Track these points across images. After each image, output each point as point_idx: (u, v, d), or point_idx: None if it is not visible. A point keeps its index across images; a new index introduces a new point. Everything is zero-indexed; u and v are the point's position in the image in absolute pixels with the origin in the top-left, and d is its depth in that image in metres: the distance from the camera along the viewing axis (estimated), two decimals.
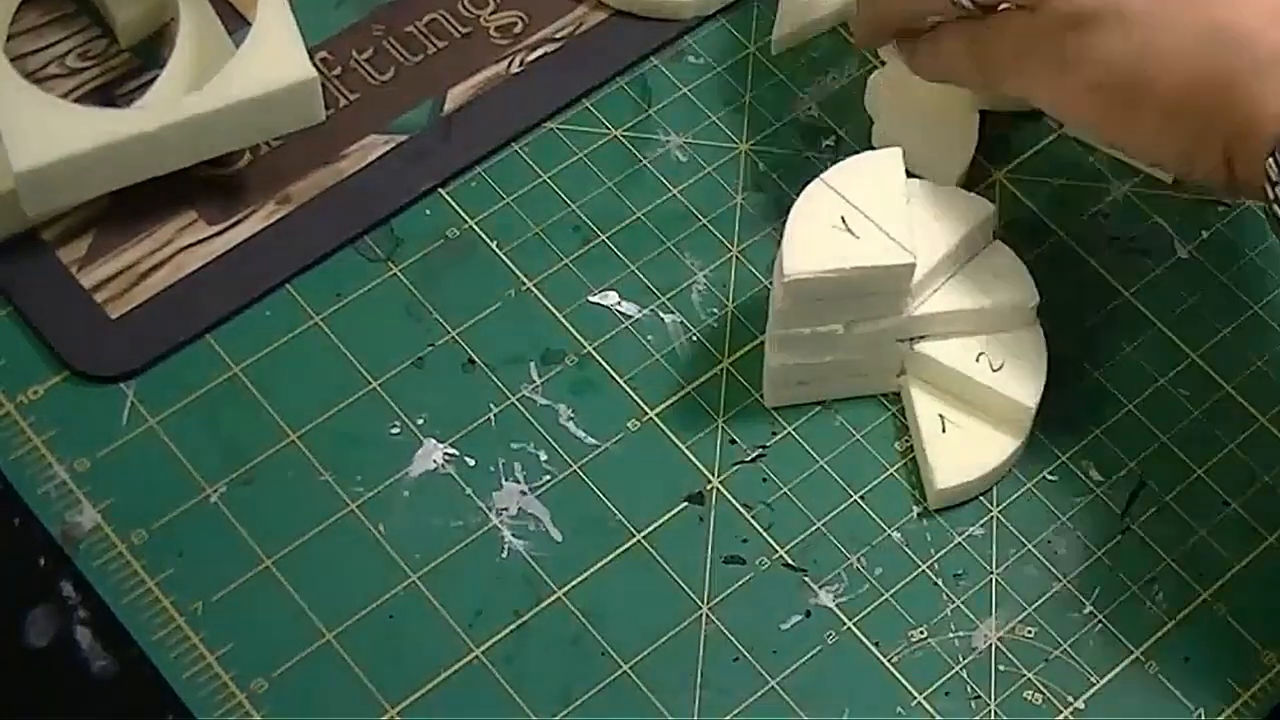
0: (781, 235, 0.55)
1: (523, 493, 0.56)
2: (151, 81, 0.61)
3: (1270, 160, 0.50)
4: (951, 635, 0.55)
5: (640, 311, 0.60)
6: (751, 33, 0.66)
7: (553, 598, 0.55)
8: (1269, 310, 0.61)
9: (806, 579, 0.55)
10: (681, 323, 0.60)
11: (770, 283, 0.59)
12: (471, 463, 0.57)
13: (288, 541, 0.55)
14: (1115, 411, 0.59)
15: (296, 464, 0.56)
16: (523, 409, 0.58)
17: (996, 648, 0.55)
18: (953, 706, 0.54)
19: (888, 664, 0.54)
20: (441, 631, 0.54)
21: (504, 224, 0.61)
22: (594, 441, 0.57)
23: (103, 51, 0.64)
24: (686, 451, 0.57)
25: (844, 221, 0.55)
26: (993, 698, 0.54)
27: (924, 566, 0.56)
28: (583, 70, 0.64)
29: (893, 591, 0.55)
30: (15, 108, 0.57)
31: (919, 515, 0.57)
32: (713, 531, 0.56)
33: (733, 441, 0.58)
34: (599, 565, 0.55)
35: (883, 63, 0.65)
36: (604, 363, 0.59)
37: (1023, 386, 0.57)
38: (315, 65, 0.59)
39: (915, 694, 0.54)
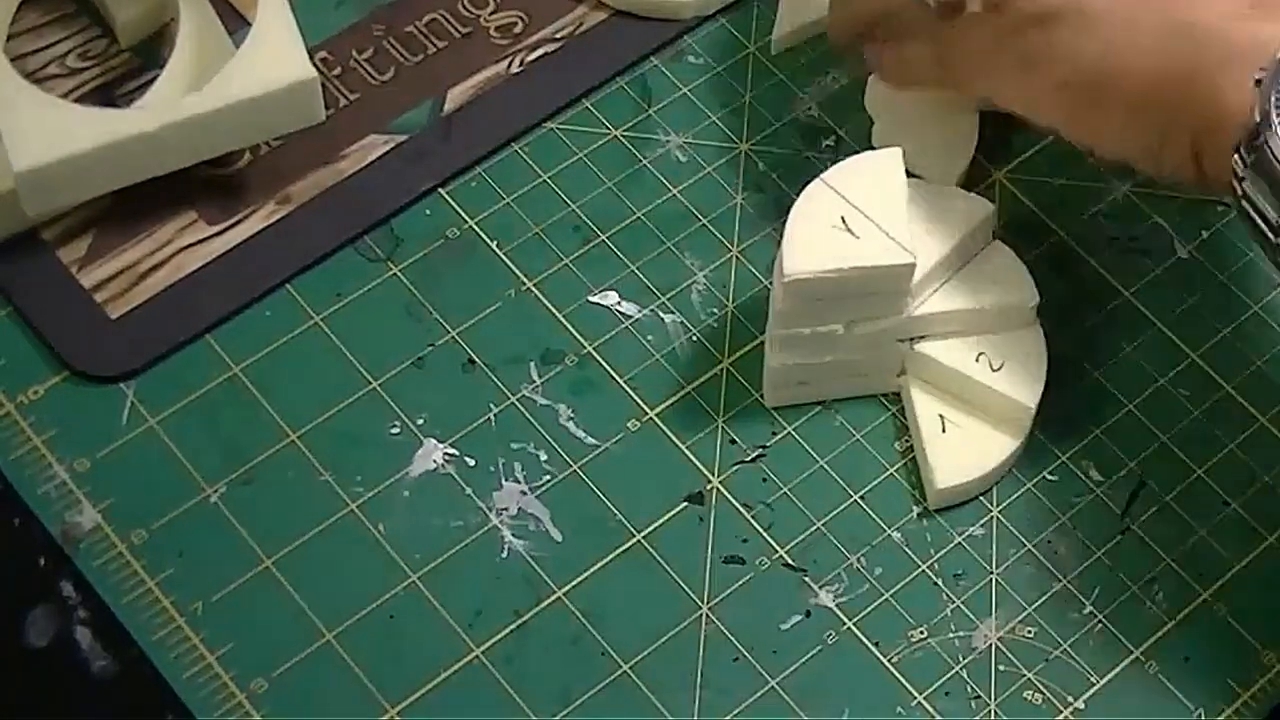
0: (781, 235, 0.55)
1: (523, 493, 0.56)
2: (151, 81, 0.61)
3: (1236, 156, 0.50)
4: (951, 635, 0.55)
5: (640, 311, 0.60)
6: (751, 33, 0.66)
7: (553, 598, 0.55)
8: (1269, 310, 0.61)
9: (806, 579, 0.55)
10: (681, 323, 0.60)
11: (770, 283, 0.59)
12: (471, 463, 0.57)
13: (288, 541, 0.55)
14: (1115, 411, 0.59)
15: (296, 464, 0.56)
16: (523, 409, 0.58)
17: (996, 648, 0.55)
18: (953, 706, 0.54)
19: (888, 664, 0.54)
20: (441, 631, 0.54)
21: (504, 224, 0.61)
22: (594, 441, 0.57)
23: (103, 51, 0.64)
24: (686, 451, 0.57)
25: (844, 221, 0.55)
26: (993, 698, 0.54)
27: (924, 566, 0.56)
28: (583, 70, 0.64)
29: (893, 591, 0.55)
30: (15, 108, 0.57)
31: (919, 515, 0.57)
32: (713, 531, 0.56)
33: (733, 441, 0.58)
34: (599, 565, 0.55)
35: None
36: (604, 363, 0.59)
37: (1023, 386, 0.57)
38: (315, 65, 0.59)
39: (915, 694, 0.54)
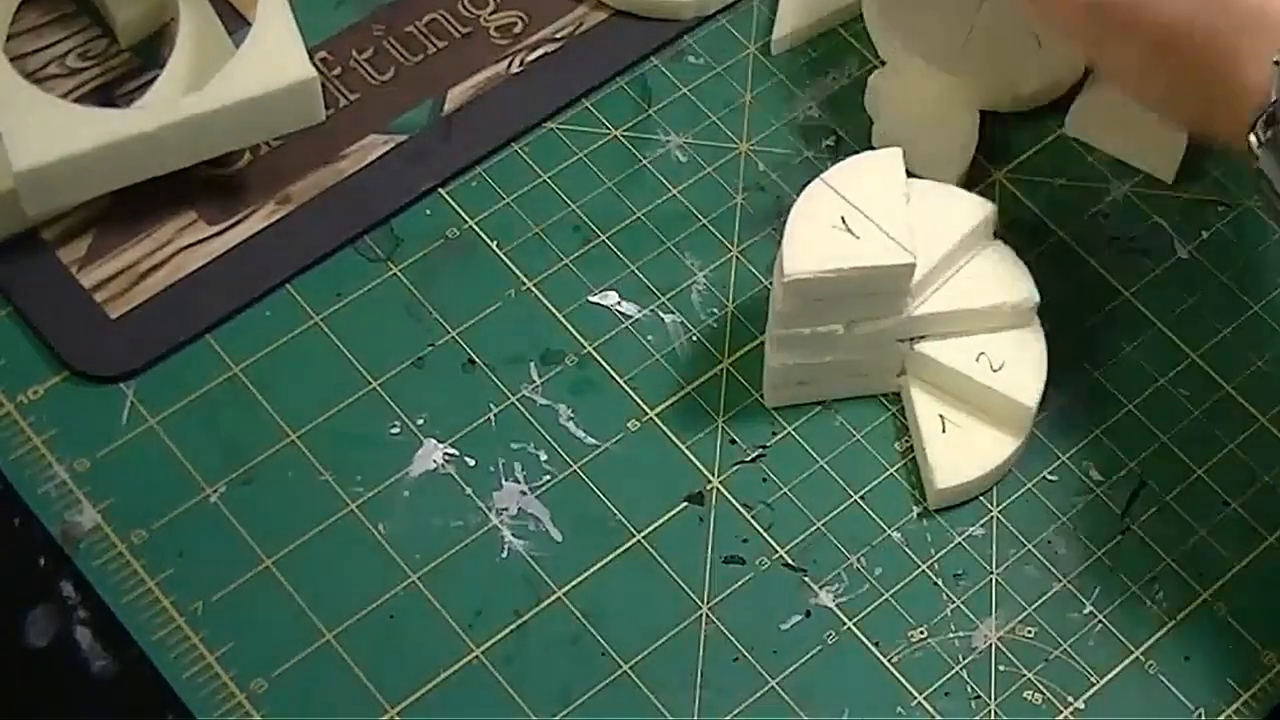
0: (781, 235, 0.55)
1: (523, 493, 0.56)
2: (151, 81, 0.61)
3: (1252, 133, 0.50)
4: (951, 635, 0.55)
5: (640, 311, 0.60)
6: (751, 33, 0.66)
7: (553, 598, 0.55)
8: (1269, 310, 0.61)
9: (806, 579, 0.55)
10: (681, 323, 0.60)
11: (770, 283, 0.59)
12: (471, 463, 0.57)
13: (288, 541, 0.55)
14: (1115, 411, 0.59)
15: (296, 464, 0.56)
16: (523, 409, 0.58)
17: (996, 648, 0.55)
18: (953, 706, 0.54)
19: (888, 664, 0.54)
20: (441, 631, 0.54)
21: (504, 224, 0.61)
22: (594, 441, 0.57)
23: (103, 51, 0.64)
24: (686, 451, 0.57)
25: (844, 221, 0.55)
26: (993, 698, 0.54)
27: (924, 566, 0.56)
28: (583, 70, 0.64)
29: (893, 591, 0.55)
30: (15, 108, 0.57)
31: (919, 515, 0.57)
32: (713, 531, 0.56)
33: (733, 441, 0.58)
34: (599, 565, 0.55)
35: (883, 63, 0.65)
36: (604, 363, 0.59)
37: (1023, 386, 0.57)
38: (315, 65, 0.59)
39: (915, 694, 0.54)
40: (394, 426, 0.57)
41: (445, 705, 0.53)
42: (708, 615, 0.55)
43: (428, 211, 0.61)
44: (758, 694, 0.54)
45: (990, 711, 0.54)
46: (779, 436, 0.58)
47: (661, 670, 0.54)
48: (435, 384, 0.58)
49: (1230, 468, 0.58)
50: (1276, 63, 0.49)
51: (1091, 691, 0.54)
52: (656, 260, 0.61)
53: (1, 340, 0.58)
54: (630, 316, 0.60)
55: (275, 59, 0.58)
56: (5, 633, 0.54)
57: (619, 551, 0.56)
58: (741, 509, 0.56)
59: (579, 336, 0.59)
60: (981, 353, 0.57)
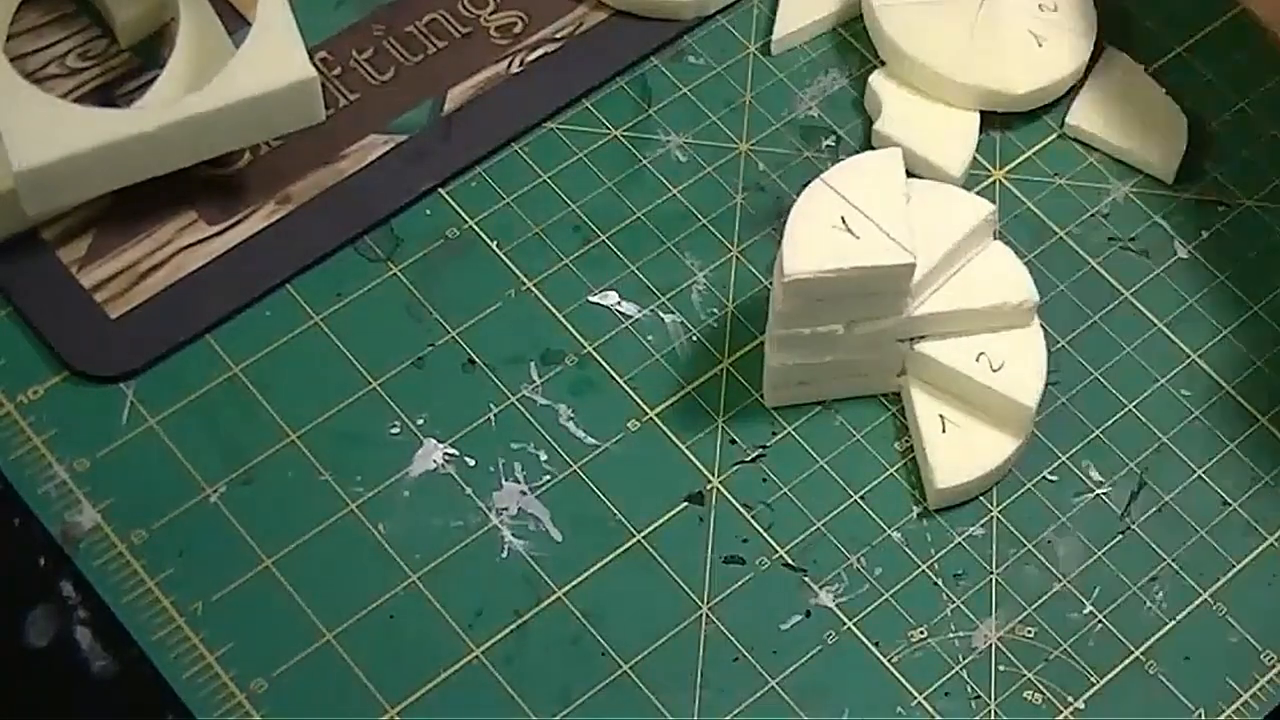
0: (781, 235, 0.55)
1: (523, 493, 0.56)
2: (151, 81, 0.61)
3: None
4: (951, 635, 0.55)
5: (640, 311, 0.60)
6: (751, 33, 0.66)
7: (553, 598, 0.55)
8: (1269, 310, 0.61)
9: (806, 579, 0.55)
10: (681, 323, 0.60)
11: (770, 283, 0.59)
12: (471, 463, 0.57)
13: (288, 541, 0.55)
14: (1115, 411, 0.59)
15: (296, 464, 0.56)
16: (523, 409, 0.58)
17: (996, 648, 0.55)
18: (953, 706, 0.54)
19: (888, 664, 0.54)
20: (441, 631, 0.54)
21: (504, 224, 0.61)
22: (594, 441, 0.57)
23: (103, 51, 0.64)
24: (686, 451, 0.57)
25: (844, 221, 0.55)
26: (993, 698, 0.54)
27: (924, 566, 0.56)
28: (583, 70, 0.64)
29: (893, 591, 0.55)
30: (15, 108, 0.57)
31: (919, 515, 0.57)
32: (713, 531, 0.56)
33: (733, 441, 0.58)
34: (599, 565, 0.55)
35: (883, 62, 0.65)
36: (604, 363, 0.59)
37: (1023, 386, 0.57)
38: (315, 65, 0.59)
39: (915, 694, 0.54)
40: (394, 426, 0.57)
41: (445, 705, 0.53)
42: (708, 615, 0.55)
43: (428, 211, 0.61)
44: (758, 694, 0.54)
45: (990, 711, 0.54)
46: (779, 436, 0.58)
47: (661, 670, 0.54)
48: (435, 384, 0.58)
49: (1230, 468, 0.58)
50: None
51: (1091, 691, 0.54)
52: (656, 260, 0.61)
53: (1, 340, 0.58)
54: (630, 316, 0.60)
55: (275, 59, 0.58)
56: (5, 633, 0.54)
57: (619, 551, 0.56)
58: (741, 509, 0.57)
59: (579, 336, 0.59)
60: (981, 353, 0.57)
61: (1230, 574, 0.56)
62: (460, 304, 0.60)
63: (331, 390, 0.58)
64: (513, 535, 0.56)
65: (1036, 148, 0.64)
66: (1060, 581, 0.56)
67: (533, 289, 0.60)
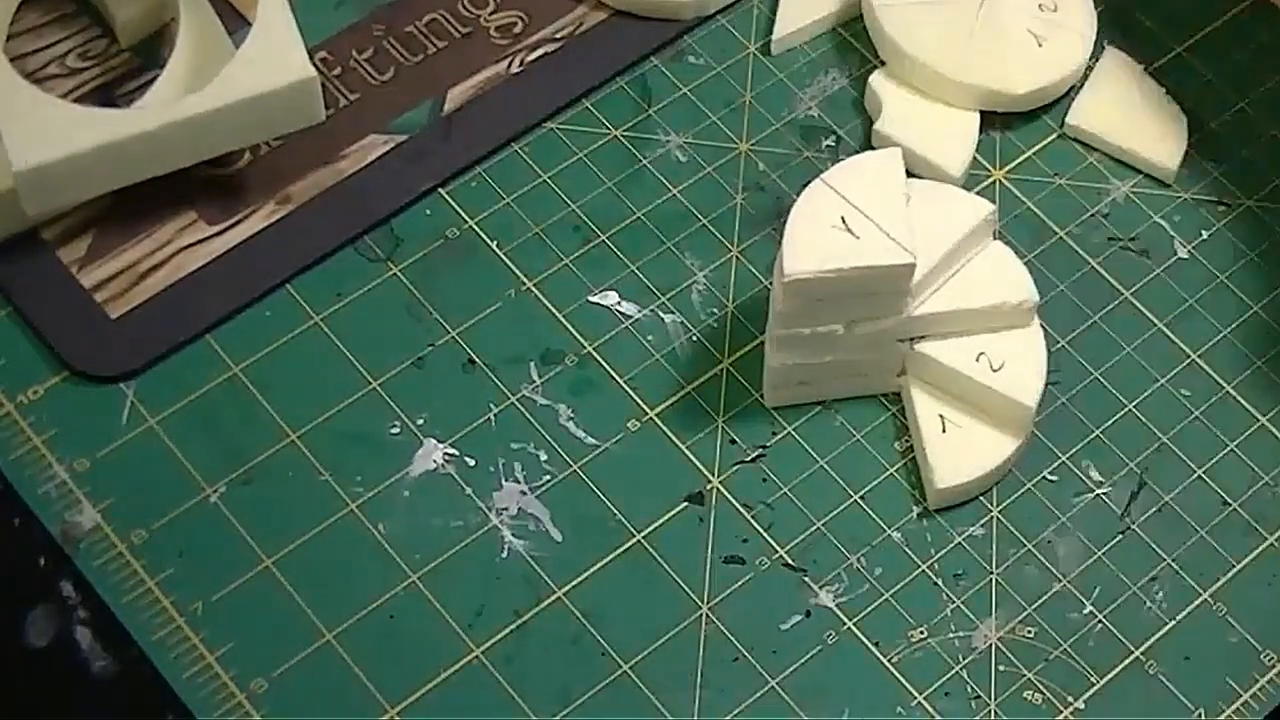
0: (781, 235, 0.55)
1: (523, 493, 0.56)
2: (151, 81, 0.61)
3: None
4: (951, 635, 0.55)
5: (640, 311, 0.60)
6: (751, 33, 0.66)
7: (553, 598, 0.55)
8: (1269, 310, 0.61)
9: (806, 579, 0.55)
10: (681, 323, 0.60)
11: (770, 283, 0.59)
12: (471, 463, 0.57)
13: (288, 541, 0.55)
14: (1115, 411, 0.59)
15: (296, 464, 0.56)
16: (523, 409, 0.58)
17: (996, 648, 0.55)
18: (953, 706, 0.54)
19: (888, 664, 0.54)
20: (441, 631, 0.54)
21: (504, 224, 0.61)
22: (594, 441, 0.57)
23: (103, 51, 0.64)
24: (686, 451, 0.57)
25: (844, 221, 0.55)
26: (993, 698, 0.54)
27: (924, 566, 0.56)
28: (583, 70, 0.64)
29: (893, 591, 0.55)
30: (15, 108, 0.57)
31: (919, 515, 0.57)
32: (713, 531, 0.56)
33: (733, 441, 0.58)
34: (599, 565, 0.55)
35: (883, 62, 0.65)
36: (604, 363, 0.59)
37: (1023, 386, 0.57)
38: (315, 65, 0.59)
39: (915, 694, 0.54)
40: (394, 426, 0.57)
41: (445, 705, 0.53)
42: (708, 615, 0.55)
43: (428, 211, 0.61)
44: (758, 694, 0.54)
45: (990, 711, 0.54)
46: (779, 436, 0.58)
47: (661, 670, 0.54)
48: (435, 384, 0.58)
49: (1230, 468, 0.58)
50: None
51: (1091, 691, 0.54)
52: (656, 260, 0.61)
53: (1, 340, 0.58)
54: (630, 316, 0.60)
55: (275, 59, 0.58)
56: (5, 633, 0.54)
57: (619, 551, 0.56)
58: (741, 509, 0.57)
59: (579, 336, 0.59)
60: (981, 353, 0.57)
61: (1230, 574, 0.56)
62: (460, 304, 0.60)
63: (331, 390, 0.58)
64: (513, 535, 0.56)
65: (1036, 148, 0.64)
66: (1060, 581, 0.56)
67: (533, 289, 0.60)
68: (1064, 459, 0.58)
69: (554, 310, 0.60)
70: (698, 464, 0.57)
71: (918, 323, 0.57)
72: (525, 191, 0.62)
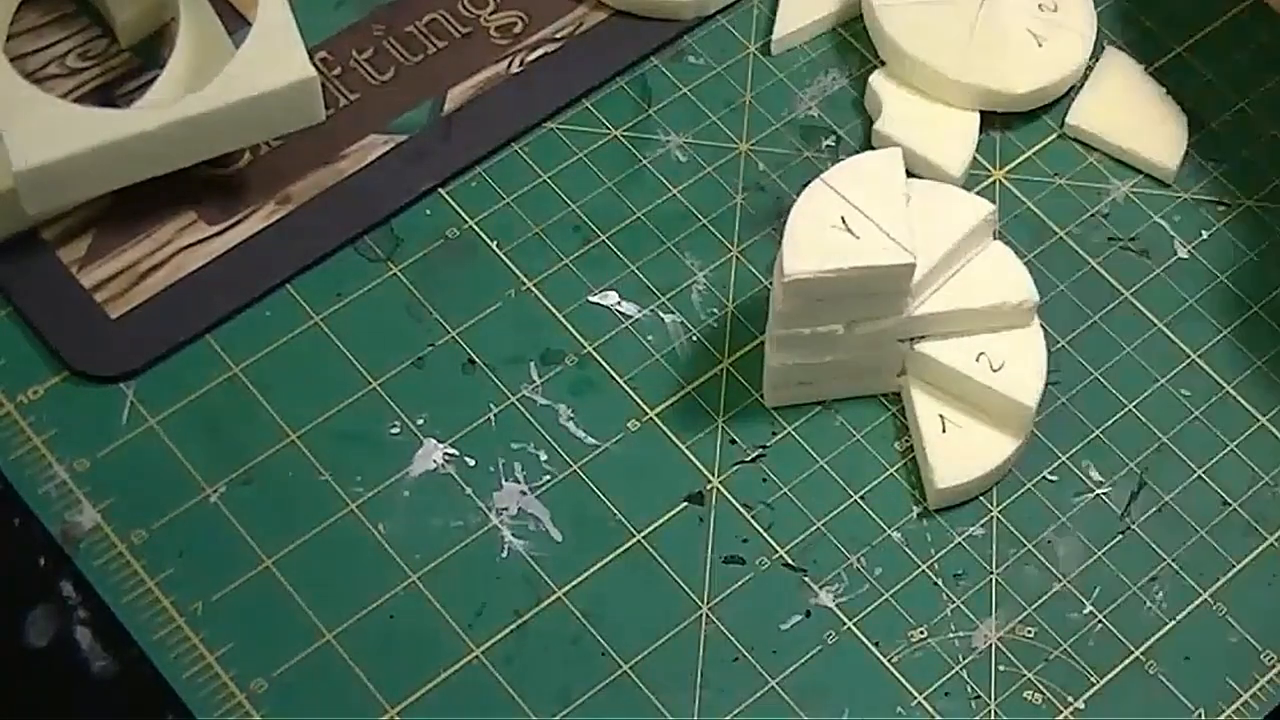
0: (781, 235, 0.55)
1: (523, 493, 0.56)
2: (151, 81, 0.61)
3: None
4: (951, 635, 0.55)
5: (640, 311, 0.60)
6: (751, 33, 0.66)
7: (553, 598, 0.55)
8: (1269, 310, 0.61)
9: (806, 579, 0.55)
10: (681, 323, 0.60)
11: (770, 283, 0.59)
12: (471, 463, 0.57)
13: (288, 541, 0.55)
14: (1115, 411, 0.59)
15: (296, 464, 0.56)
16: (523, 409, 0.58)
17: (996, 648, 0.55)
18: (953, 706, 0.54)
19: (888, 664, 0.54)
20: (441, 631, 0.54)
21: (504, 224, 0.61)
22: (594, 441, 0.57)
23: (103, 51, 0.64)
24: (686, 451, 0.57)
25: (844, 221, 0.55)
26: (993, 698, 0.54)
27: (924, 566, 0.56)
28: (583, 70, 0.64)
29: (893, 591, 0.55)
30: (15, 108, 0.57)
31: (919, 515, 0.57)
32: (713, 531, 0.56)
33: (733, 441, 0.58)
34: (599, 565, 0.55)
35: (883, 63, 0.65)
36: (604, 363, 0.59)
37: (1023, 386, 0.57)
38: (315, 65, 0.59)
39: (915, 694, 0.54)
40: (394, 426, 0.57)
41: (445, 705, 0.53)
42: (708, 615, 0.55)
43: (428, 211, 0.61)
44: (758, 694, 0.54)
45: (990, 711, 0.54)
46: (779, 436, 0.58)
47: (661, 670, 0.54)
48: (435, 384, 0.58)
49: (1230, 468, 0.58)
50: None
51: (1091, 691, 0.54)
52: (656, 260, 0.61)
53: (1, 340, 0.58)
54: (630, 316, 0.60)
55: (275, 59, 0.58)
56: (5, 633, 0.54)
57: (619, 551, 0.56)
58: (741, 509, 0.56)
59: (579, 336, 0.59)
60: (981, 353, 0.57)
61: (1230, 574, 0.56)
62: (460, 304, 0.60)
63: (331, 390, 0.58)
64: (513, 535, 0.56)
65: (1036, 148, 0.64)
66: (1060, 581, 0.56)
67: (533, 289, 0.60)
68: (1064, 459, 0.58)
69: (554, 310, 0.60)
70: (698, 464, 0.57)
71: (918, 323, 0.57)
72: (525, 191, 0.62)
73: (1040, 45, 0.64)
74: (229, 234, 0.60)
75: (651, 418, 0.58)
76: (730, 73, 0.65)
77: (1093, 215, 0.63)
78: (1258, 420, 0.59)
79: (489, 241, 0.61)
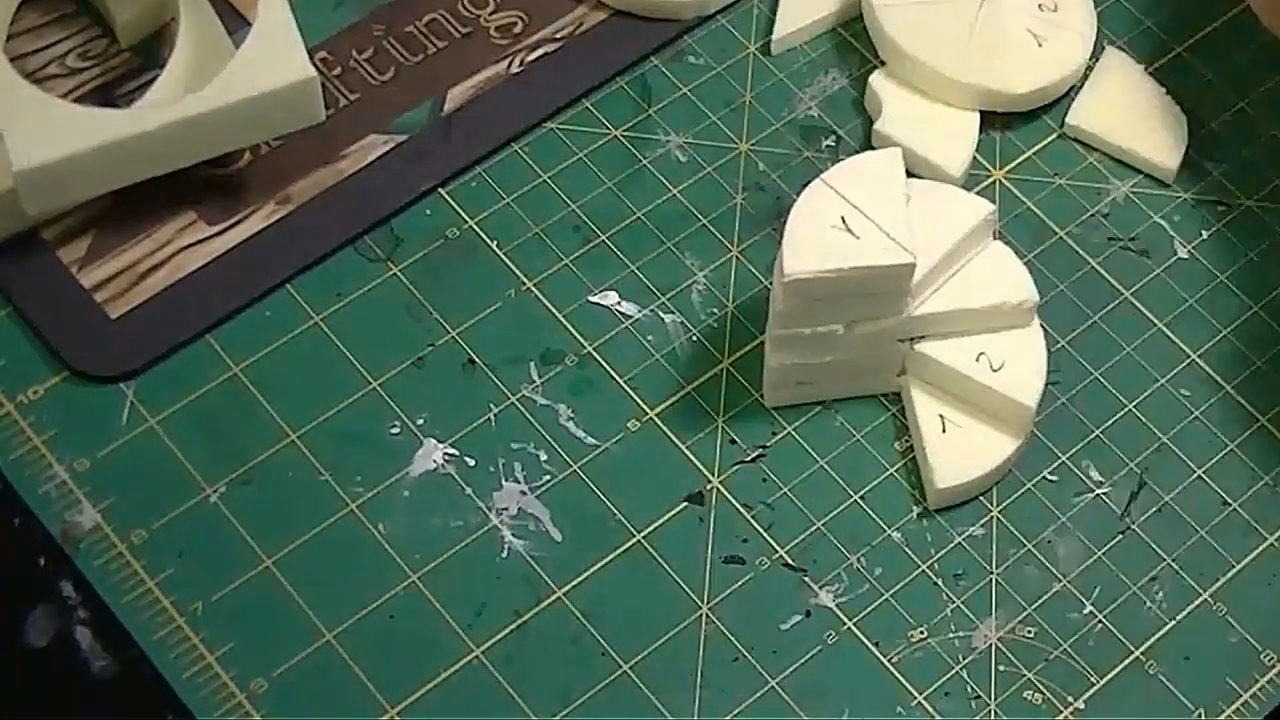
0: (781, 235, 0.55)
1: (523, 493, 0.56)
2: (151, 81, 0.61)
3: None
4: (951, 635, 0.55)
5: (640, 311, 0.60)
6: (751, 33, 0.66)
7: (553, 598, 0.55)
8: (1269, 310, 0.61)
9: (806, 579, 0.55)
10: (681, 323, 0.60)
11: (770, 283, 0.59)
12: (471, 463, 0.57)
13: (288, 541, 0.55)
14: (1115, 411, 0.59)
15: (296, 464, 0.56)
16: (523, 409, 0.58)
17: (996, 648, 0.55)
18: (953, 706, 0.54)
19: (888, 664, 0.54)
20: (441, 631, 0.54)
21: (504, 224, 0.61)
22: (594, 441, 0.57)
23: (103, 51, 0.64)
24: (686, 451, 0.57)
25: (844, 221, 0.55)
26: (993, 698, 0.54)
27: (924, 566, 0.56)
28: (583, 70, 0.64)
29: (893, 591, 0.55)
30: (15, 108, 0.57)
31: (919, 515, 0.57)
32: (713, 531, 0.56)
33: (733, 441, 0.58)
34: (599, 565, 0.55)
35: (883, 63, 0.65)
36: (604, 363, 0.59)
37: (1023, 386, 0.57)
38: (315, 65, 0.59)
39: (915, 694, 0.54)
40: (394, 426, 0.57)
41: (445, 705, 0.53)
42: (708, 615, 0.55)
43: (428, 211, 0.61)
44: (758, 694, 0.54)
45: (990, 711, 0.54)
46: (779, 436, 0.58)
47: (661, 670, 0.54)
48: (435, 384, 0.58)
49: (1230, 468, 0.58)
50: None
51: (1091, 691, 0.54)
52: (656, 260, 0.61)
53: (1, 340, 0.58)
54: (630, 316, 0.60)
55: (275, 59, 0.58)
56: (5, 633, 0.54)
57: (619, 551, 0.56)
58: (741, 509, 0.56)
59: (579, 336, 0.59)
60: (981, 353, 0.57)
61: (1230, 574, 0.56)
62: (460, 304, 0.60)
63: (331, 390, 0.58)
64: (513, 535, 0.56)
65: (1036, 148, 0.64)
66: (1060, 581, 0.56)
67: (533, 289, 0.60)
68: (1064, 459, 0.58)
69: (554, 310, 0.60)
70: (698, 464, 0.57)
71: (918, 323, 0.57)
72: (525, 191, 0.62)
73: (1040, 45, 0.64)
74: (229, 234, 0.60)
75: (651, 418, 0.58)
76: (730, 73, 0.65)
77: (1093, 215, 0.63)
78: (1258, 420, 0.59)
79: (489, 241, 0.61)
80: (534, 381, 0.58)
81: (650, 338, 0.59)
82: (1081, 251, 0.62)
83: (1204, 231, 0.63)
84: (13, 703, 0.53)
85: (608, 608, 0.55)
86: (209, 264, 0.60)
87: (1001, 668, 0.54)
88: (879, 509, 0.57)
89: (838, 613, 0.55)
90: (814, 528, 0.56)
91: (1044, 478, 0.58)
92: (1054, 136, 0.64)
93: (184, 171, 0.59)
